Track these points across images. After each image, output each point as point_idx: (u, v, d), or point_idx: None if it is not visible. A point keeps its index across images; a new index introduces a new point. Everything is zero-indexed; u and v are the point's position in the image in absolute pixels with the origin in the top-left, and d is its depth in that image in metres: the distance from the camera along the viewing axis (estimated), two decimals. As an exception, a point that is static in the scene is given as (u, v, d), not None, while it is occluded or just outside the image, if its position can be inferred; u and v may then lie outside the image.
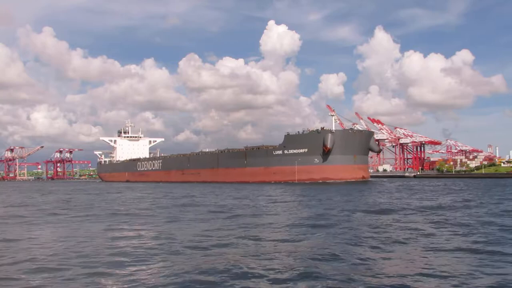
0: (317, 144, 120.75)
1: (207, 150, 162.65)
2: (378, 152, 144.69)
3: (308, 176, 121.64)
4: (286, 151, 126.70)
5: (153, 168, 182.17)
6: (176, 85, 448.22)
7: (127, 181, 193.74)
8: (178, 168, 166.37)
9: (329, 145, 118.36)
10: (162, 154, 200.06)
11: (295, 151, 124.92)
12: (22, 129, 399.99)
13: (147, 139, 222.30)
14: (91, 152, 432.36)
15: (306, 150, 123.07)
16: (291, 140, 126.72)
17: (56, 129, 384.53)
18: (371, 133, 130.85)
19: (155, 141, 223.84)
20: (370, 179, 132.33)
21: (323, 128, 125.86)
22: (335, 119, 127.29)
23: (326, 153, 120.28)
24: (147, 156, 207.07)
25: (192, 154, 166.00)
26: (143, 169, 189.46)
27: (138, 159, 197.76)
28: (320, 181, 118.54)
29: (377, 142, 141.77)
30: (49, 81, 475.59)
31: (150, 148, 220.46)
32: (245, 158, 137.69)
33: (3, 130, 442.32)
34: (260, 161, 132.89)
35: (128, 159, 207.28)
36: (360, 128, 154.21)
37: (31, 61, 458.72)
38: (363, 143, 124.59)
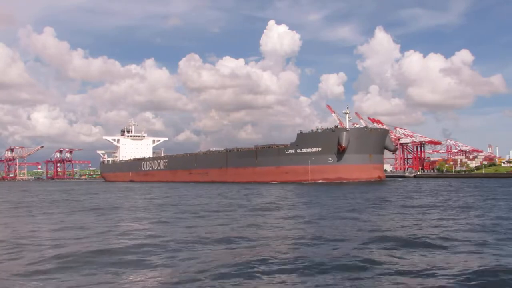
0: (332, 142, 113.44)
1: (214, 149, 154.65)
2: (394, 151, 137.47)
3: (322, 176, 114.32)
4: (298, 150, 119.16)
5: (159, 168, 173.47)
6: (176, 85, 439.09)
7: (131, 181, 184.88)
8: (184, 168, 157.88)
9: (344, 144, 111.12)
10: (165, 154, 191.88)
11: (308, 150, 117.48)
12: (22, 129, 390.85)
13: (151, 138, 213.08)
14: (91, 152, 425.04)
15: (320, 149, 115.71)
16: (304, 138, 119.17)
17: (56, 129, 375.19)
18: (387, 131, 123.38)
19: (159, 140, 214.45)
20: (386, 179, 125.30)
21: (337, 126, 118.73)
22: (348, 118, 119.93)
23: (341, 152, 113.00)
24: (151, 156, 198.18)
25: (199, 154, 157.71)
26: (148, 168, 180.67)
27: (143, 159, 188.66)
28: (335, 181, 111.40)
29: (392, 141, 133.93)
30: (50, 81, 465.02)
31: (154, 148, 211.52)
32: (255, 157, 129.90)
33: (3, 130, 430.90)
34: (271, 160, 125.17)
35: (132, 158, 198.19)
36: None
37: (31, 61, 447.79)
38: (379, 141, 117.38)
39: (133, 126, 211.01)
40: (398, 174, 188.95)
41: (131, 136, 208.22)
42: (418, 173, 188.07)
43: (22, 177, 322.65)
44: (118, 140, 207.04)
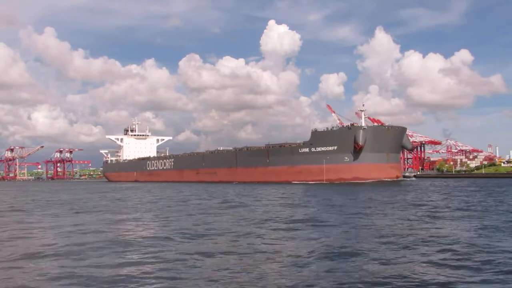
0: (348, 141, 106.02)
1: (222, 149, 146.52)
2: (411, 150, 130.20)
3: (338, 176, 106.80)
4: (313, 149, 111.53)
5: (164, 168, 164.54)
6: (176, 85, 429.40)
7: (136, 181, 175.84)
8: (191, 167, 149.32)
9: (361, 142, 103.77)
10: (170, 154, 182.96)
11: (323, 148, 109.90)
12: (22, 129, 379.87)
13: (155, 138, 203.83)
14: (92, 152, 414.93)
15: (335, 147, 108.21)
16: (318, 137, 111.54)
17: (56, 129, 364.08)
18: (404, 129, 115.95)
19: (163, 139, 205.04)
20: (403, 179, 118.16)
21: (353, 124, 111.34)
22: (364, 115, 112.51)
23: (357, 151, 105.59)
24: (155, 155, 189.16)
25: (207, 153, 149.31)
26: (153, 168, 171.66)
27: (148, 158, 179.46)
28: (351, 181, 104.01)
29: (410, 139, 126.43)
30: (50, 81, 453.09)
31: (158, 147, 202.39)
32: (267, 156, 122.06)
33: (3, 130, 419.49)
34: (284, 159, 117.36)
35: (136, 158, 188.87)
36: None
37: (32, 61, 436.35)
38: (396, 140, 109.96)
39: (136, 125, 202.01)
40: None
41: (134, 135, 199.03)
42: (418, 173, 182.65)
43: (22, 177, 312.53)
44: (121, 139, 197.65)
